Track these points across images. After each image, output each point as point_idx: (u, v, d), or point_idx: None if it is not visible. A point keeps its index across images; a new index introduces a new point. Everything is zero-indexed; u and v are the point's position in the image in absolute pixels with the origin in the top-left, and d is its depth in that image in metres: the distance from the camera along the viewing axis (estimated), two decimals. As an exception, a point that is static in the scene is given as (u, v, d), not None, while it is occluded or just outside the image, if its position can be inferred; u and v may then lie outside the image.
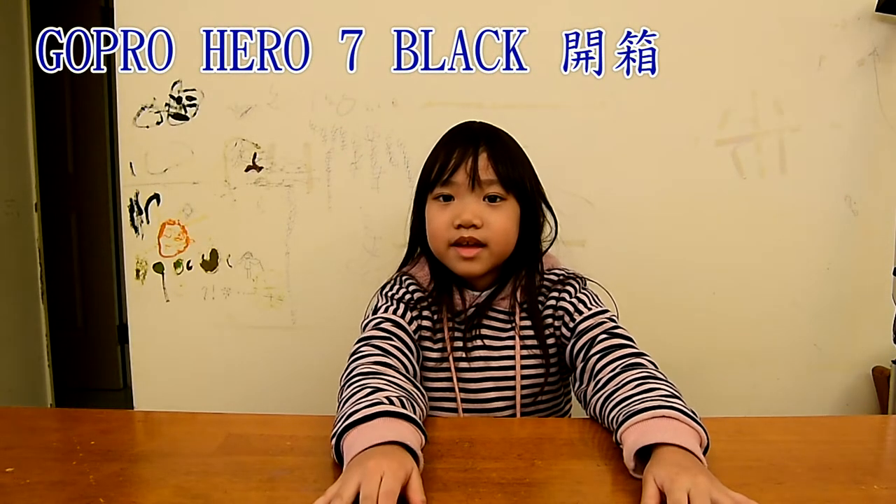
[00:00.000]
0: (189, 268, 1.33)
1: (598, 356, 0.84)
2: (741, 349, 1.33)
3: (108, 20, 1.29)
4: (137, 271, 1.33)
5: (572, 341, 0.89)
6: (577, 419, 0.84)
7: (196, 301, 1.33)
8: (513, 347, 0.93)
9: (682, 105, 1.27)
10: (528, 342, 0.93)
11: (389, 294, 0.95)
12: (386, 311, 0.91)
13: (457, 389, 0.93)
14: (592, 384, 0.82)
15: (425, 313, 0.94)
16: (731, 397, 1.35)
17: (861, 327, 1.33)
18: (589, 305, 0.91)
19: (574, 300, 0.92)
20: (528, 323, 0.93)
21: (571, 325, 0.90)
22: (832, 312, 1.33)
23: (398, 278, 0.98)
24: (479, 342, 0.93)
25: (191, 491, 0.62)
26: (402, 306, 0.92)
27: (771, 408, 1.34)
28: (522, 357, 0.93)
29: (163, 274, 1.33)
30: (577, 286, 0.94)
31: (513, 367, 0.92)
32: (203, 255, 1.33)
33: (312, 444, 0.73)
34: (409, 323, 0.91)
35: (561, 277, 0.95)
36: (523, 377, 0.92)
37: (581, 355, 0.87)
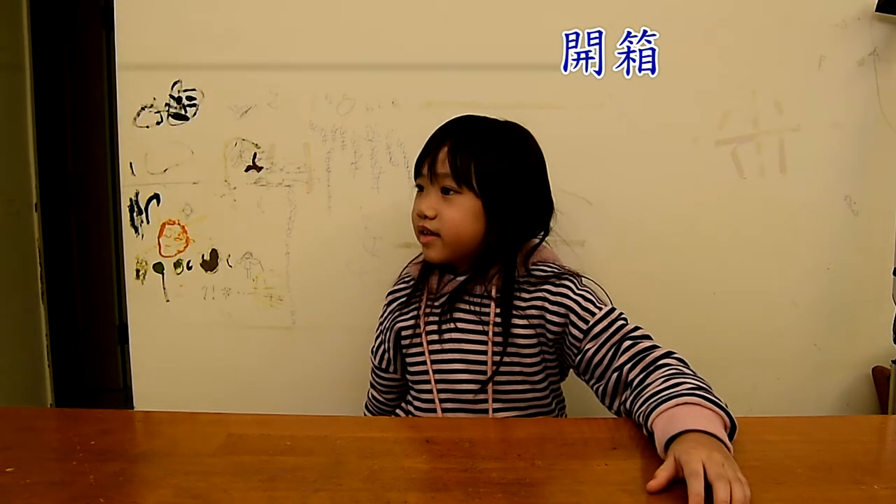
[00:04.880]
0: (189, 268, 1.33)
1: (629, 366, 0.84)
2: (741, 349, 1.33)
3: (108, 20, 1.29)
4: (137, 271, 1.33)
5: (591, 346, 0.89)
6: (577, 419, 0.84)
7: (196, 301, 1.33)
8: (483, 332, 0.94)
9: (682, 105, 1.27)
10: (496, 330, 0.94)
11: (381, 318, 1.05)
12: (376, 350, 1.06)
13: (429, 362, 0.97)
14: (629, 391, 0.83)
15: (412, 303, 1.01)
16: (731, 397, 1.32)
17: (861, 327, 1.32)
18: (598, 304, 0.92)
19: (578, 297, 0.92)
20: (497, 311, 0.94)
21: (584, 326, 0.90)
22: (832, 312, 1.32)
23: (397, 280, 1.07)
24: (451, 325, 0.96)
25: (191, 491, 0.62)
26: (384, 330, 1.03)
27: (771, 408, 1.33)
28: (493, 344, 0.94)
29: (163, 274, 1.33)
30: (574, 282, 0.94)
31: (484, 353, 0.94)
32: (203, 255, 1.33)
33: (312, 444, 0.73)
34: (395, 342, 1.02)
35: (554, 272, 0.96)
36: (493, 363, 0.94)
37: (606, 362, 0.87)
